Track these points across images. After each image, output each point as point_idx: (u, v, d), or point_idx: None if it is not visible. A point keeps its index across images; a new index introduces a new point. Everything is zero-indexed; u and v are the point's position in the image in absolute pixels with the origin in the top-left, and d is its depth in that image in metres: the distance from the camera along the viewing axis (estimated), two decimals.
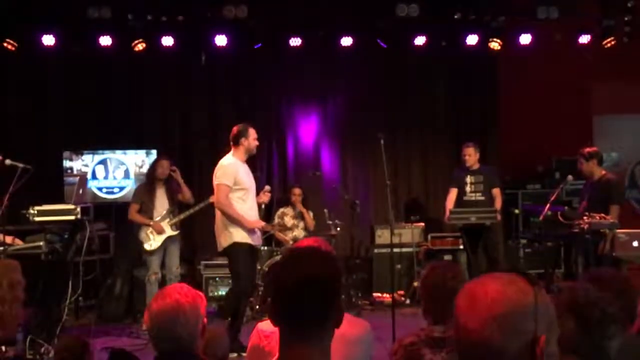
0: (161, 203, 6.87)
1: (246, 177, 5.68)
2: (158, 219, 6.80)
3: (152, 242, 6.73)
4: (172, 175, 6.91)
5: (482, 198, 7.38)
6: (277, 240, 7.73)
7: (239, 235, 5.55)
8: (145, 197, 6.87)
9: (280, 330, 1.62)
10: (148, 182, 6.97)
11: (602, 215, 5.77)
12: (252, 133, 5.68)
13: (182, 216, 6.91)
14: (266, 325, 2.71)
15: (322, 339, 1.60)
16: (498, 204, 7.34)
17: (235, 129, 5.70)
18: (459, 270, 2.73)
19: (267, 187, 6.11)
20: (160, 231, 6.75)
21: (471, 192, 7.42)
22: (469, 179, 7.44)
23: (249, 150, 5.70)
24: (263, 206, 6.14)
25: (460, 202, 7.43)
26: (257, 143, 5.75)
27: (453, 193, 7.49)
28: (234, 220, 5.54)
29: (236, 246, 5.56)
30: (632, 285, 2.47)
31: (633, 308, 2.41)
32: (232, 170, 5.57)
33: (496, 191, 7.41)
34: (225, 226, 5.59)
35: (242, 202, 5.60)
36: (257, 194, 5.94)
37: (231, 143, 5.69)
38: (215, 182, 5.61)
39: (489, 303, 1.27)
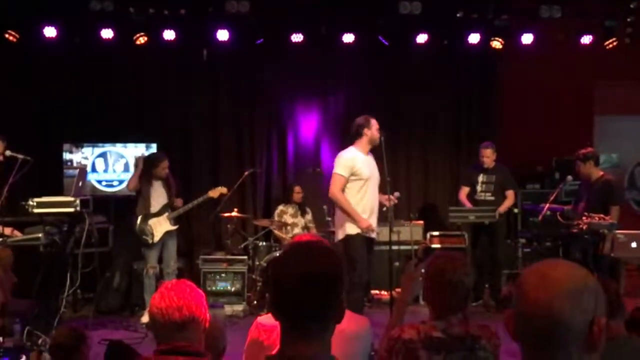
0: (159, 195, 6.82)
1: (366, 168, 5.72)
2: (155, 211, 6.77)
3: (152, 235, 6.71)
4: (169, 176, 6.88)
5: (492, 198, 7.37)
6: (275, 238, 7.72)
7: (350, 227, 5.66)
8: (143, 188, 6.78)
9: (280, 324, 1.61)
10: (146, 176, 6.77)
11: (601, 215, 5.76)
12: (374, 124, 5.79)
13: (181, 210, 6.88)
14: (266, 320, 2.70)
15: (322, 334, 1.59)
16: (504, 206, 7.32)
17: (356, 121, 5.80)
18: (463, 263, 2.63)
19: (397, 194, 6.09)
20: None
21: (481, 191, 7.42)
22: (481, 178, 7.43)
23: (372, 140, 5.77)
24: (384, 208, 6.11)
25: (471, 200, 7.45)
26: (378, 134, 5.80)
27: (464, 191, 7.51)
28: (345, 212, 5.66)
29: (348, 237, 5.66)
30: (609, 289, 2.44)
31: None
32: (349, 161, 5.65)
33: (509, 193, 7.41)
34: (340, 217, 5.75)
35: (356, 192, 5.68)
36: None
37: (353, 135, 5.77)
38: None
39: (561, 278, 1.37)
